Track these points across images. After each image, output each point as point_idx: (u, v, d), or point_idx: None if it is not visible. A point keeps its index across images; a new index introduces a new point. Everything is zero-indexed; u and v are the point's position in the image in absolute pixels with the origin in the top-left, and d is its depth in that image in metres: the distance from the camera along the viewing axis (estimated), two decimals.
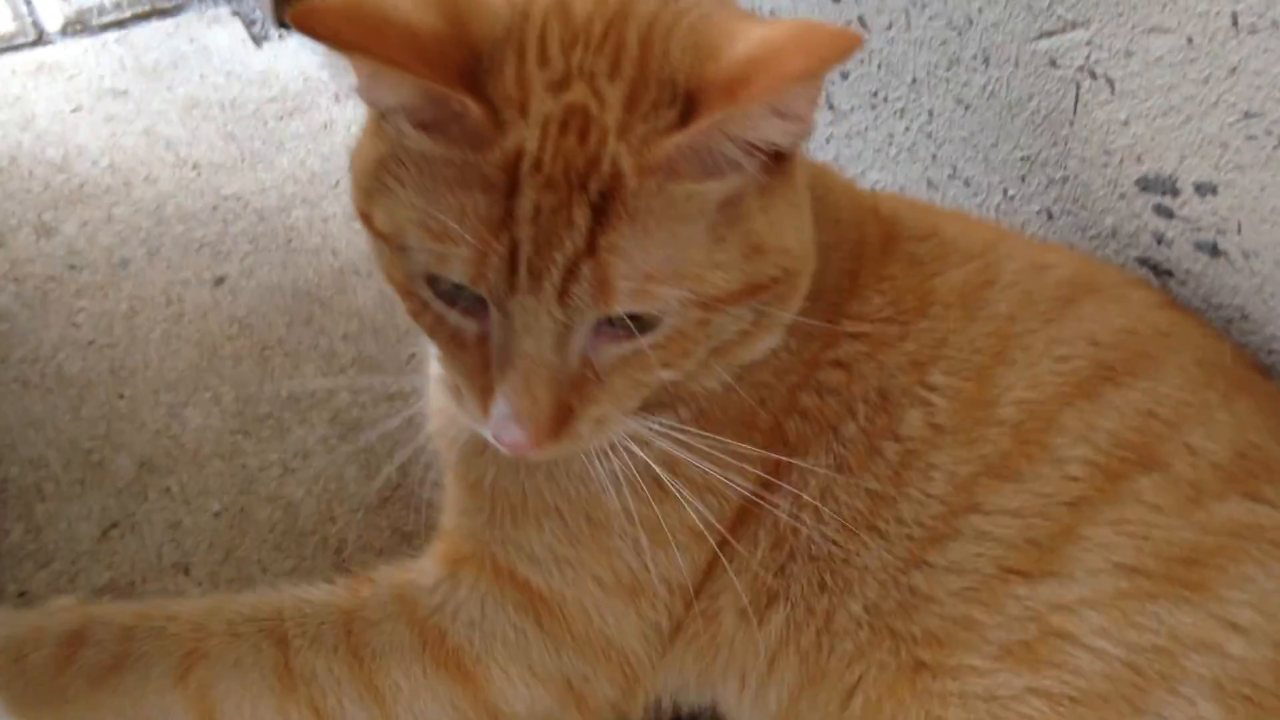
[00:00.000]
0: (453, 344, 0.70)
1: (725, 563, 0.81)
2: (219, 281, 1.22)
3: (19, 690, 0.82)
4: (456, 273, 0.65)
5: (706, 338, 0.70)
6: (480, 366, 0.69)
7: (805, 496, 0.80)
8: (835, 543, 0.79)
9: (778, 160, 0.68)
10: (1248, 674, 0.67)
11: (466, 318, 0.68)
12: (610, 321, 0.66)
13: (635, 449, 0.78)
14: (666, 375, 0.71)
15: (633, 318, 0.66)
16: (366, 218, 0.70)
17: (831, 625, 0.79)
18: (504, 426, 0.67)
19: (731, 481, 0.80)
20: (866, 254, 0.83)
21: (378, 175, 0.68)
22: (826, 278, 0.80)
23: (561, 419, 0.68)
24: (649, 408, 0.77)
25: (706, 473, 0.79)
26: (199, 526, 1.03)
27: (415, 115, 0.65)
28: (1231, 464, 0.74)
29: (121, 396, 1.11)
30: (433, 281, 0.67)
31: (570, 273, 0.63)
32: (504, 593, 0.83)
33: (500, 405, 0.67)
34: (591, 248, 0.63)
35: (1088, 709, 0.68)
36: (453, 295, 0.68)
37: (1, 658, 0.83)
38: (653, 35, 0.66)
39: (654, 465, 0.79)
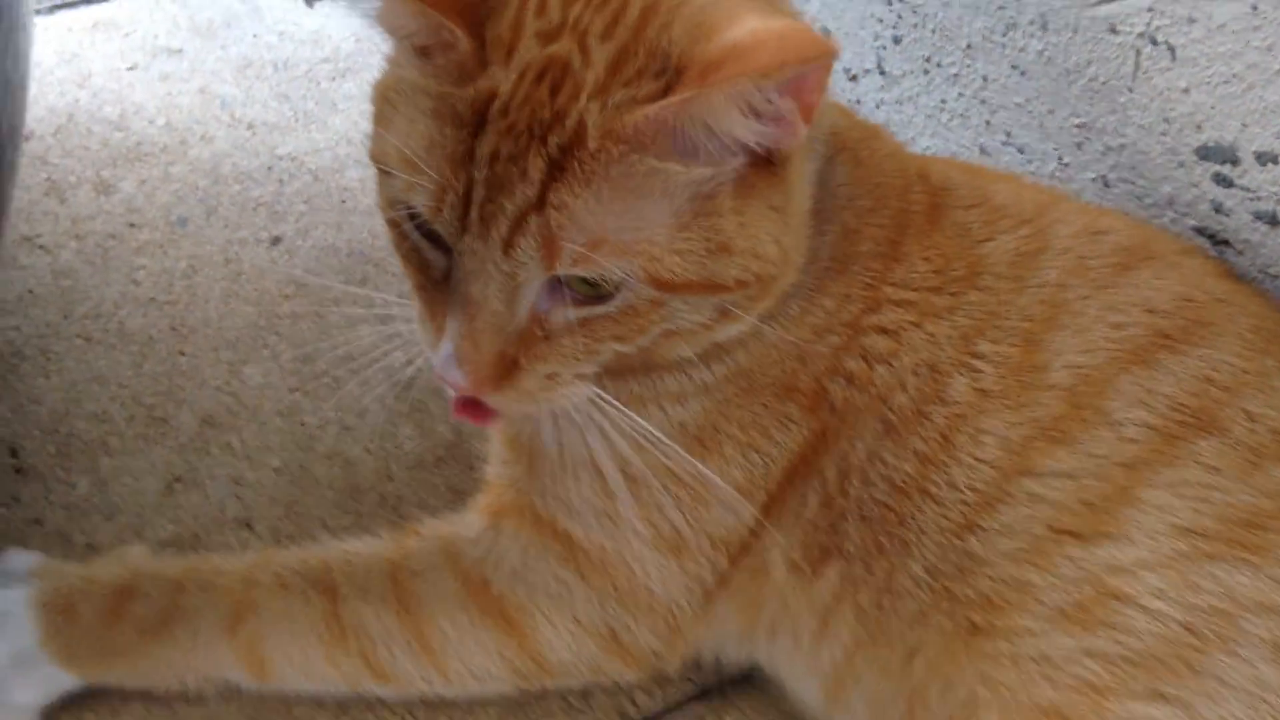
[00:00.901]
0: (421, 275, 0.72)
1: (775, 518, 0.83)
2: (275, 241, 1.24)
3: (69, 641, 0.85)
4: (419, 204, 0.66)
5: (660, 320, 0.70)
6: (439, 302, 0.70)
7: (852, 458, 0.81)
8: (886, 505, 0.80)
9: (767, 163, 0.68)
10: None
11: (437, 252, 0.70)
12: (566, 283, 0.67)
13: (668, 407, 0.80)
14: (618, 348, 0.71)
15: (588, 284, 0.67)
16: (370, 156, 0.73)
17: (892, 585, 0.80)
18: (446, 365, 0.69)
19: (774, 440, 0.81)
20: (911, 221, 0.84)
21: (382, 103, 0.71)
22: (860, 243, 0.81)
23: (505, 369, 0.69)
24: (677, 364, 0.78)
25: (747, 429, 0.81)
26: (260, 482, 1.05)
27: (414, 39, 0.67)
28: None
29: (182, 353, 1.13)
30: (412, 212, 0.69)
31: (517, 224, 0.64)
32: (545, 544, 0.85)
33: (445, 344, 0.69)
34: (541, 203, 0.64)
35: (1143, 670, 0.69)
36: (428, 227, 0.69)
37: (52, 609, 0.86)
38: (660, 5, 0.66)
39: (689, 425, 0.81)
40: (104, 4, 1.48)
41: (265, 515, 1.02)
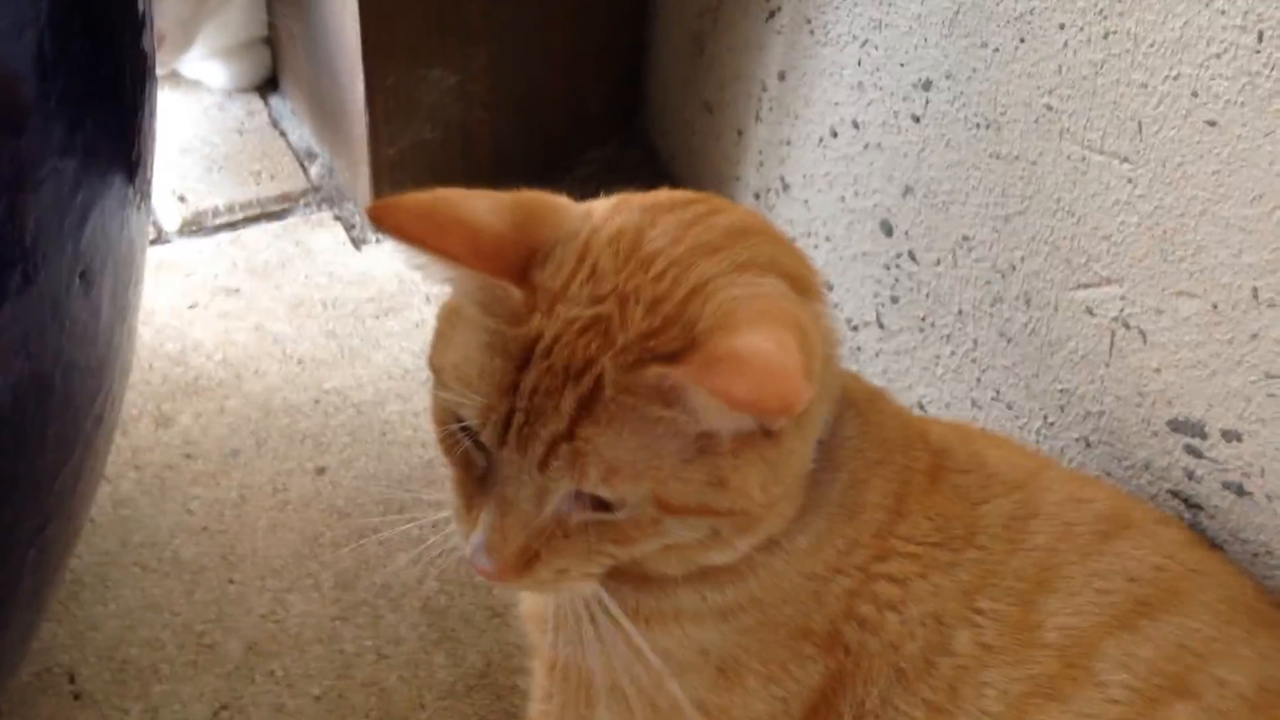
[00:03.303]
0: (463, 471, 0.80)
1: None
2: (320, 471, 1.33)
3: None
4: (468, 417, 0.75)
5: (657, 535, 0.78)
6: (476, 495, 0.78)
7: (868, 703, 0.88)
8: None
9: (763, 429, 0.76)
10: None
11: (480, 453, 0.78)
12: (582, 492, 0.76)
13: (688, 627, 0.87)
14: (616, 552, 0.79)
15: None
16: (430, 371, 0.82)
17: None
18: (476, 554, 0.76)
19: (793, 676, 0.88)
20: (914, 479, 0.92)
21: (444, 323, 0.81)
22: (867, 493, 0.89)
23: (527, 561, 0.76)
24: (689, 580, 0.85)
25: (767, 663, 0.88)
26: (301, 710, 1.11)
27: (473, 295, 0.76)
28: (1255, 695, 0.82)
29: (231, 581, 1.21)
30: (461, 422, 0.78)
31: (550, 448, 0.73)
32: None
33: (477, 534, 0.76)
34: (571, 434, 0.73)
35: None
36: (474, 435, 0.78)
37: None
38: (702, 291, 0.75)
39: (711, 652, 0.88)
40: (168, 245, 1.61)
41: None
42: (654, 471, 0.74)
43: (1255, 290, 0.90)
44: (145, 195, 0.91)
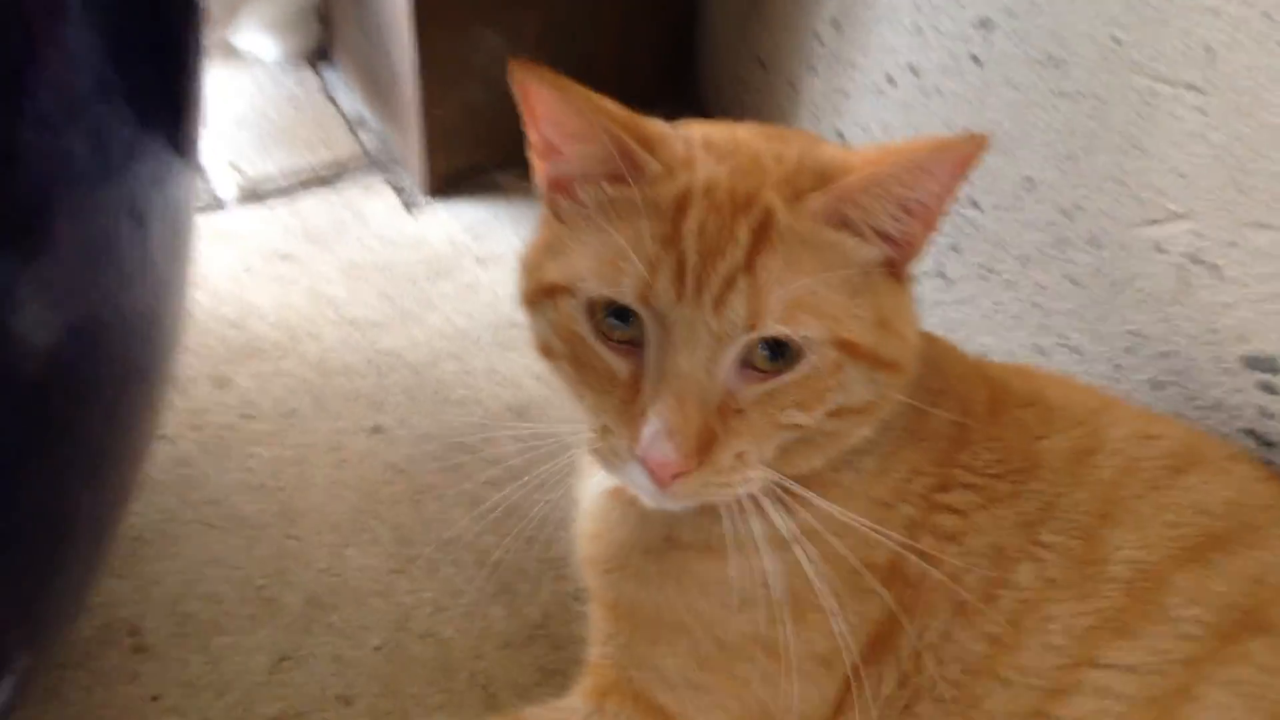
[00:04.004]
0: (604, 383, 0.79)
1: (854, 695, 0.87)
2: (376, 430, 1.33)
3: None
4: (626, 291, 0.75)
5: (837, 387, 0.78)
6: (630, 399, 0.77)
7: (927, 636, 0.86)
8: (959, 686, 0.84)
9: (894, 267, 0.79)
10: None
11: (619, 356, 0.78)
12: (751, 362, 0.76)
13: (754, 560, 0.86)
14: (799, 417, 0.78)
15: (772, 357, 0.75)
16: (530, 294, 0.82)
17: None
18: (654, 443, 0.74)
19: (855, 610, 0.86)
20: (975, 411, 0.91)
21: (547, 251, 0.81)
22: (934, 423, 0.88)
23: (706, 443, 0.75)
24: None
25: (837, 594, 0.86)
26: (360, 660, 1.11)
27: (605, 166, 0.77)
28: None
29: (290, 537, 1.21)
30: (594, 320, 0.78)
31: (728, 283, 0.73)
32: None
33: (652, 423, 0.74)
34: (749, 264, 0.73)
35: None
36: (608, 335, 0.78)
37: None
38: (804, 151, 0.80)
39: (787, 576, 0.86)
40: (225, 213, 1.62)
41: (364, 693, 1.08)
42: (830, 306, 0.75)
43: None
44: (194, 143, 0.91)
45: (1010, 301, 1.23)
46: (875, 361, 0.78)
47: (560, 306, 0.79)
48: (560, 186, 0.81)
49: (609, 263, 0.75)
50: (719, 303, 0.73)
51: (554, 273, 0.80)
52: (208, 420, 1.33)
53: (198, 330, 1.43)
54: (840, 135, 1.42)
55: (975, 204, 1.23)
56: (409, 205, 1.65)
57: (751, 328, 0.73)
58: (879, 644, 0.87)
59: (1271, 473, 0.94)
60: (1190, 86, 0.95)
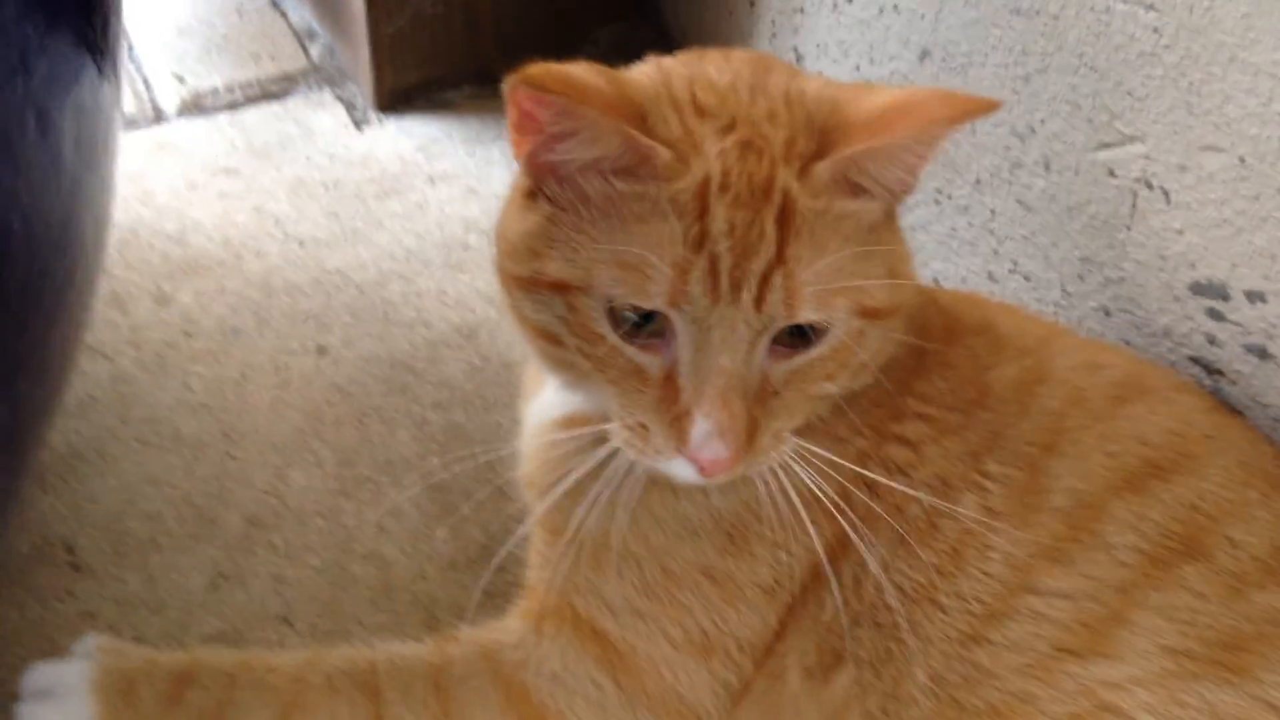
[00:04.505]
0: (635, 381, 0.78)
1: (796, 621, 0.88)
2: (321, 350, 1.31)
3: None
4: (654, 297, 0.73)
5: (861, 349, 0.79)
6: (666, 397, 0.76)
7: (869, 565, 0.85)
8: (899, 612, 0.84)
9: (890, 208, 0.80)
10: None
11: (646, 354, 0.76)
12: (781, 340, 0.76)
13: (712, 493, 0.86)
14: (828, 387, 0.80)
15: (800, 335, 0.76)
16: (525, 280, 0.79)
17: (899, 692, 0.84)
18: (706, 445, 0.74)
19: (800, 541, 0.86)
20: (931, 338, 0.90)
21: (542, 237, 0.78)
22: (894, 352, 0.87)
23: (751, 433, 0.76)
24: None
25: (775, 529, 0.86)
26: (300, 580, 1.10)
27: (610, 162, 0.74)
28: (1270, 557, 0.79)
29: (232, 457, 1.20)
30: (615, 320, 0.76)
31: (765, 280, 0.73)
32: (584, 646, 0.89)
33: (700, 425, 0.74)
34: (781, 258, 0.73)
35: None
36: (633, 331, 0.76)
37: (112, 690, 0.90)
38: (791, 95, 0.78)
39: (724, 517, 0.86)
40: (166, 126, 1.58)
41: (304, 612, 1.08)
42: (854, 278, 0.75)
43: None
44: (110, 44, 0.87)
45: (964, 227, 1.22)
46: (891, 314, 0.80)
47: (574, 304, 0.77)
48: (551, 171, 0.78)
49: (633, 268, 0.73)
50: (758, 300, 0.73)
51: (560, 269, 0.77)
52: (148, 338, 1.30)
53: (138, 245, 1.40)
54: (797, 53, 1.39)
55: None
56: (358, 121, 1.61)
57: (789, 319, 0.74)
58: (820, 572, 0.87)
59: (1216, 402, 0.94)
60: (1145, 5, 0.93)
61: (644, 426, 0.78)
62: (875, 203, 0.78)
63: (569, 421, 0.91)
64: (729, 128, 0.75)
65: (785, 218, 0.73)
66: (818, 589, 0.87)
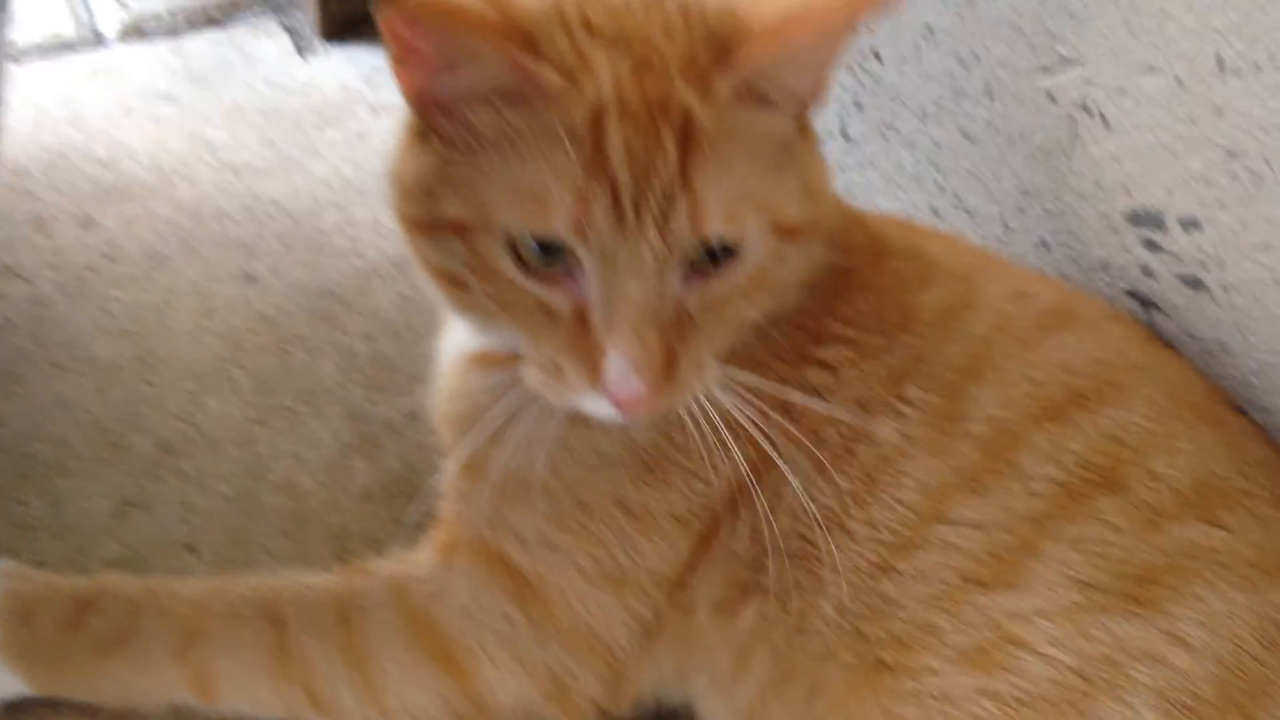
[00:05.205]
0: (544, 319, 0.74)
1: (709, 551, 0.85)
2: (248, 278, 1.27)
3: (24, 646, 0.87)
4: (558, 226, 0.69)
5: (780, 270, 0.76)
6: (578, 333, 0.72)
7: (783, 492, 0.82)
8: (809, 541, 0.81)
9: (802, 119, 0.77)
10: (1189, 685, 0.69)
11: (554, 289, 0.72)
12: (695, 266, 0.72)
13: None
14: (749, 312, 0.77)
15: (714, 259, 0.72)
16: (423, 222, 0.76)
17: (805, 624, 0.81)
18: (622, 381, 0.70)
19: (716, 469, 0.83)
20: (856, 260, 0.87)
21: (437, 177, 0.74)
22: (818, 273, 0.84)
23: (670, 366, 0.72)
24: None
25: (692, 456, 0.83)
26: (209, 509, 1.07)
27: (495, 90, 0.70)
28: (1191, 490, 0.76)
29: (147, 383, 1.16)
30: (519, 259, 0.72)
31: (668, 200, 0.69)
32: (495, 579, 0.86)
33: (614, 361, 0.70)
34: (684, 175, 0.69)
35: (1034, 712, 0.70)
36: (539, 267, 0.72)
37: (12, 614, 0.88)
38: (688, 9, 0.73)
39: (641, 445, 0.83)
40: (105, 51, 1.53)
41: (210, 541, 1.04)
42: (764, 193, 0.72)
43: (1220, 58, 0.81)
44: None
45: (910, 162, 1.18)
46: (809, 232, 0.77)
47: (474, 245, 0.73)
48: (438, 105, 0.73)
49: (532, 198, 0.69)
50: (662, 223, 0.69)
51: (457, 208, 0.73)
52: (68, 261, 1.26)
53: (66, 169, 1.36)
54: None
55: (877, 56, 1.17)
56: (302, 49, 1.56)
57: (696, 238, 0.70)
58: (734, 502, 0.84)
59: (1149, 333, 0.91)
60: None
61: (557, 366, 0.74)
62: (783, 114, 0.74)
63: (481, 359, 0.88)
64: (623, 46, 0.71)
65: (687, 136, 0.69)
66: (730, 519, 0.85)
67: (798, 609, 0.81)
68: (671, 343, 0.72)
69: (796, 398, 0.81)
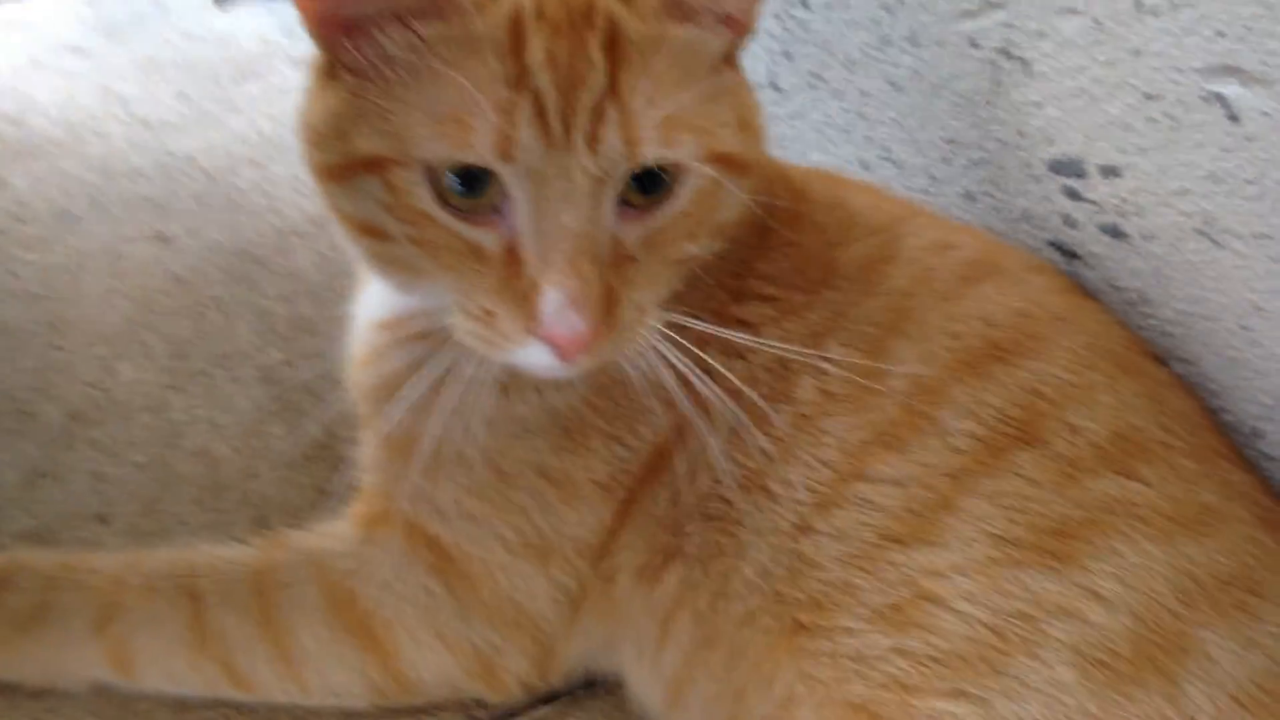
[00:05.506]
0: (472, 262, 0.70)
1: (630, 517, 0.83)
2: (160, 238, 1.23)
3: None
4: (481, 148, 0.66)
5: (720, 205, 0.74)
6: (511, 274, 0.69)
7: (703, 455, 0.81)
8: (729, 502, 0.80)
9: (730, 56, 0.75)
10: (1105, 640, 0.68)
11: (481, 229, 0.69)
12: (631, 202, 0.69)
13: (544, 390, 0.80)
14: (690, 249, 0.74)
15: (650, 190, 0.70)
16: (337, 167, 0.72)
17: (726, 588, 0.80)
18: (559, 318, 0.66)
19: (636, 433, 0.82)
20: (777, 215, 0.84)
21: (347, 115, 0.70)
22: (738, 230, 0.81)
23: (610, 304, 0.68)
24: None
25: (612, 421, 0.81)
26: (122, 478, 1.04)
27: (405, 4, 0.67)
28: (1109, 443, 0.75)
29: (57, 348, 1.12)
30: (437, 190, 0.68)
31: (597, 114, 0.66)
32: (416, 553, 0.84)
33: (550, 296, 0.67)
34: (614, 88, 0.66)
35: (948, 668, 0.70)
36: (463, 204, 0.68)
37: None
38: None
39: (560, 412, 0.81)
40: (14, 3, 1.48)
41: (123, 511, 1.02)
42: (700, 118, 0.69)
43: None
44: None
45: (838, 113, 1.16)
46: (745, 168, 0.74)
47: (392, 182, 0.69)
48: (347, 29, 0.69)
49: (450, 120, 0.66)
50: (592, 139, 0.65)
51: (371, 142, 0.69)
52: None
53: None
54: None
55: (804, 3, 1.14)
56: (220, 1, 1.51)
57: (630, 158, 0.67)
58: (655, 465, 0.83)
59: (1071, 284, 0.90)
60: None
61: (489, 312, 0.70)
62: (712, 35, 0.72)
63: (395, 326, 0.85)
64: None
65: (613, 44, 0.67)
66: (651, 484, 0.83)
67: (720, 572, 0.80)
68: (610, 280, 0.69)
69: (717, 359, 0.79)
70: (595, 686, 0.93)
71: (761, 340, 0.79)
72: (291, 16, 1.46)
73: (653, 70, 0.67)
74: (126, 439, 1.07)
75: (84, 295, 1.17)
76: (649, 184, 0.70)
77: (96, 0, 1.50)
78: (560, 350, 0.68)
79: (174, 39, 1.45)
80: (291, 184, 1.30)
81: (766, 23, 1.22)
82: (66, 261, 1.20)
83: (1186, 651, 0.69)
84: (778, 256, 0.84)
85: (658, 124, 0.67)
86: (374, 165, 0.70)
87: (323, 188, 0.75)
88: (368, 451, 0.89)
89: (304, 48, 1.42)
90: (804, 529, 0.78)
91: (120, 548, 0.98)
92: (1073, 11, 0.85)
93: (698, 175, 0.71)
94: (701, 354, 0.78)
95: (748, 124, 0.75)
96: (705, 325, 0.76)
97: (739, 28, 0.74)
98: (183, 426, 1.08)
